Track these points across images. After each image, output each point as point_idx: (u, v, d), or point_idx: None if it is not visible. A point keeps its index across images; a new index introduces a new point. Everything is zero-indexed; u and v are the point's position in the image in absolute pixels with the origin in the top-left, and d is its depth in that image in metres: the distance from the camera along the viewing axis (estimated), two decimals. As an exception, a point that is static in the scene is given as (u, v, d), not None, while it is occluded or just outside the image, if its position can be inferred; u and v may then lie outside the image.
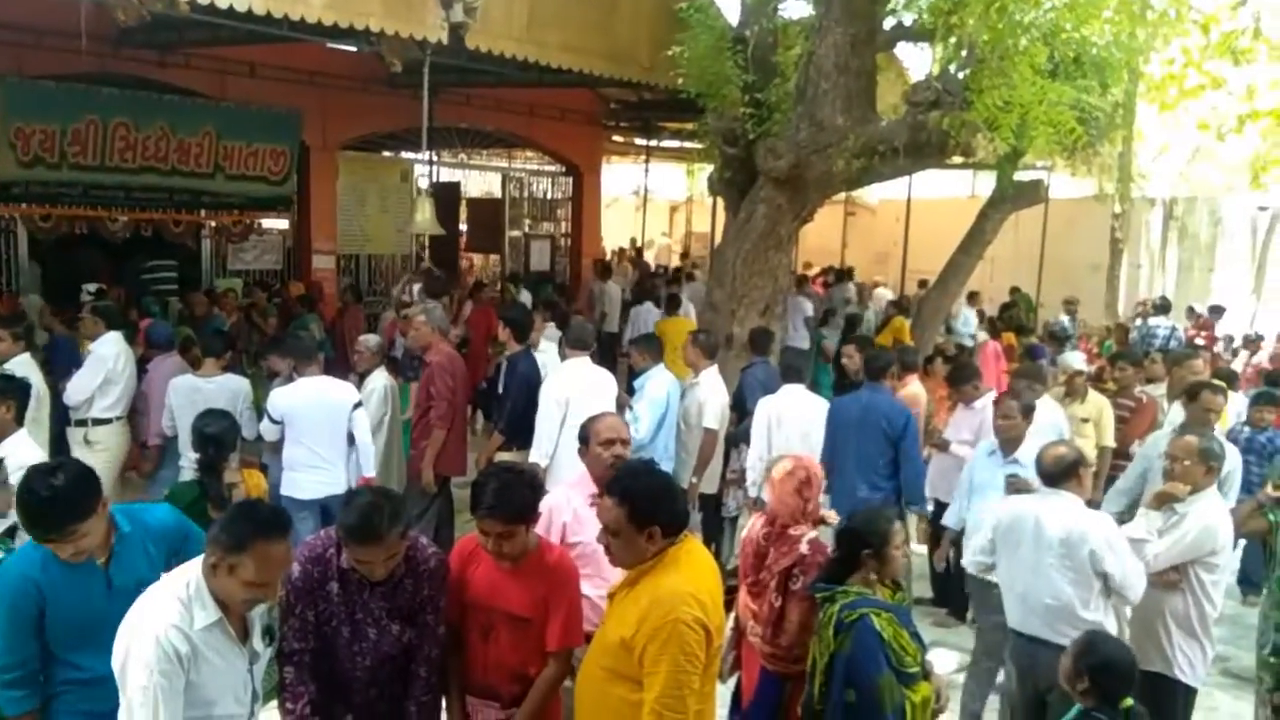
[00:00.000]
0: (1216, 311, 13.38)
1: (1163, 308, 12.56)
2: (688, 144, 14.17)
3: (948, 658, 5.84)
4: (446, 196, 14.20)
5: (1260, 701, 4.46)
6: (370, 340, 6.45)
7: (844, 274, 15.13)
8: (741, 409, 6.60)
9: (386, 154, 13.75)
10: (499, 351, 6.82)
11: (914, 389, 6.96)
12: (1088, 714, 3.17)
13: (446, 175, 15.45)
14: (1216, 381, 5.87)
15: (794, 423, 6.09)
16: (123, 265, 10.46)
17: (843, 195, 18.30)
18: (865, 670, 3.25)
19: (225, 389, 5.78)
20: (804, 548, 3.67)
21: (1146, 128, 19.03)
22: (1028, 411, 5.15)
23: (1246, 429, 6.76)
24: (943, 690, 3.54)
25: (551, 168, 15.32)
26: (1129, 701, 3.14)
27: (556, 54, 7.89)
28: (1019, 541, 4.08)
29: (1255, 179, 17.43)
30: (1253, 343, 12.81)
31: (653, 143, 15.83)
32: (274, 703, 3.03)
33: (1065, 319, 12.97)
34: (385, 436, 6.02)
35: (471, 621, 3.10)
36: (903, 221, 14.76)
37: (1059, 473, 4.04)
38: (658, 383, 6.24)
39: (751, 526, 3.94)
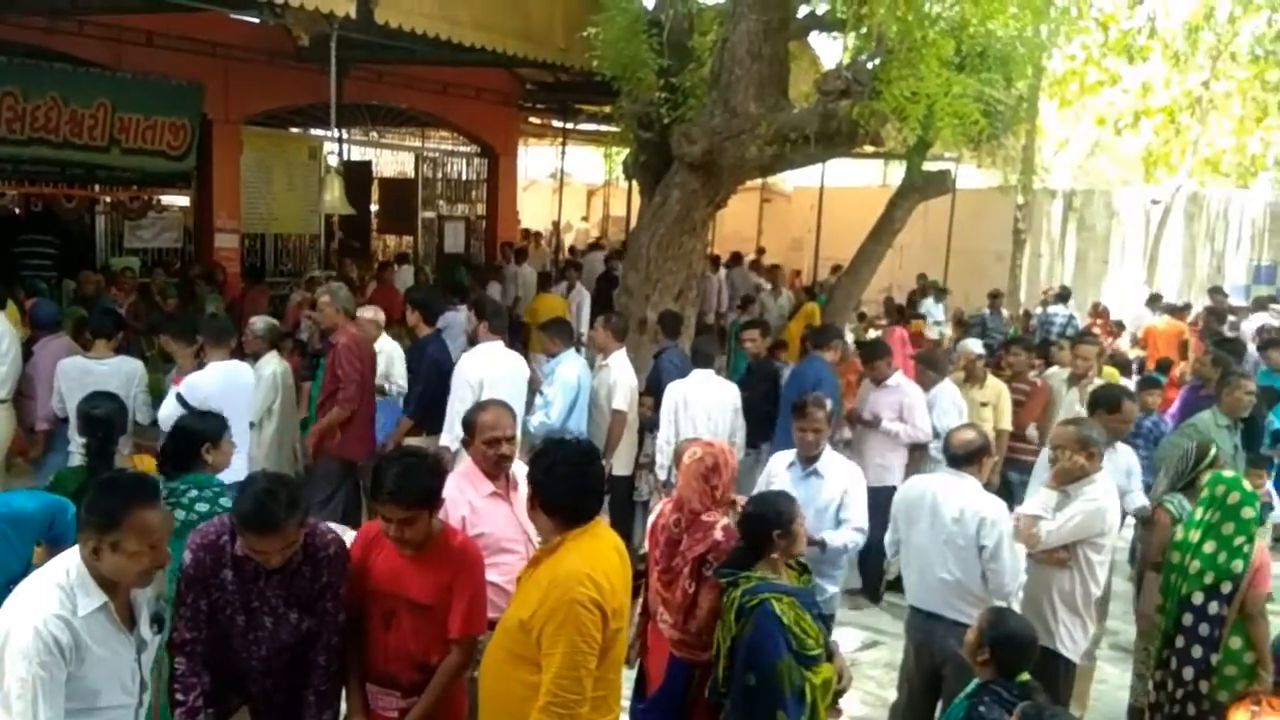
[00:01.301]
0: (1155, 301, 13.87)
1: (1062, 296, 13.01)
2: (605, 127, 14.11)
3: (853, 637, 5.99)
4: (358, 176, 13.90)
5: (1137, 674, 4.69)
6: (258, 323, 6.17)
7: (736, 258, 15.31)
8: (657, 393, 6.62)
9: (295, 130, 13.38)
10: (405, 335, 6.72)
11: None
12: (986, 686, 3.27)
13: (358, 154, 15.13)
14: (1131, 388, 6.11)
15: (700, 406, 6.15)
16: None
17: (759, 182, 18.53)
18: (764, 654, 3.30)
19: (119, 371, 5.56)
20: (718, 534, 3.67)
21: (1049, 122, 19.73)
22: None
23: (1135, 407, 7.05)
24: (844, 670, 3.62)
25: (466, 148, 15.10)
26: (1025, 675, 3.27)
27: (469, 32, 7.76)
28: (918, 519, 4.21)
29: (1148, 173, 18.22)
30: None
31: (570, 125, 15.71)
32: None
33: (987, 311, 13.38)
34: (277, 423, 5.83)
35: (373, 609, 3.05)
36: (817, 209, 14.98)
37: (964, 456, 4.18)
38: (569, 366, 6.23)
39: (660, 512, 3.92)
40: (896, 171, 13.59)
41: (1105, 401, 5.23)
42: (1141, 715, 4.73)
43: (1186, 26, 15.48)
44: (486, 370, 5.60)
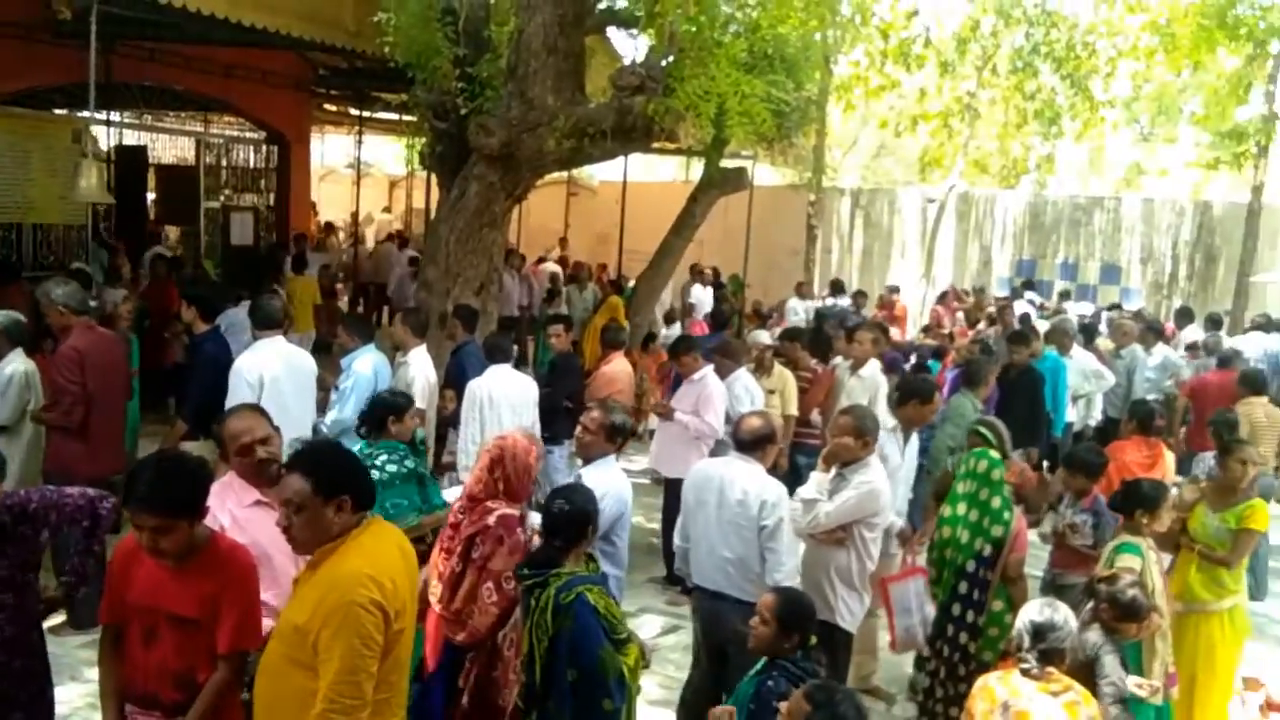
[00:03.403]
0: (979, 292, 14.84)
1: (838, 288, 13.75)
2: (403, 116, 13.73)
3: (653, 623, 6.12)
4: (130, 162, 12.87)
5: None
6: None
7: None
8: (459, 388, 6.50)
9: (58, 111, 12.23)
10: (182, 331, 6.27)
11: (616, 367, 7.17)
12: (774, 662, 3.40)
13: (132, 138, 14.00)
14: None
15: (504, 401, 6.09)
16: None
17: (564, 175, 18.56)
18: (587, 647, 3.32)
19: None
20: (491, 519, 3.72)
21: (838, 124, 20.85)
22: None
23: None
24: (645, 650, 3.70)
25: (254, 135, 14.29)
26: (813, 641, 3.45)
27: (249, 11, 7.32)
28: (705, 501, 4.35)
29: (924, 173, 19.58)
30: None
31: (367, 113, 15.18)
32: None
33: (795, 300, 13.99)
34: (33, 427, 5.31)
35: (133, 625, 2.84)
36: (622, 203, 15.17)
37: (750, 441, 4.34)
38: (365, 361, 6.03)
39: (459, 497, 3.98)
40: (698, 167, 13.97)
41: (920, 393, 5.54)
42: (920, 684, 5.06)
43: (956, 38, 16.71)
44: (266, 368, 5.31)
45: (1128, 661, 4.06)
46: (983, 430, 5.12)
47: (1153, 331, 10.10)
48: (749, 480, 4.24)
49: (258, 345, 5.58)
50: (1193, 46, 14.16)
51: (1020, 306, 13.22)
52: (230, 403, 5.24)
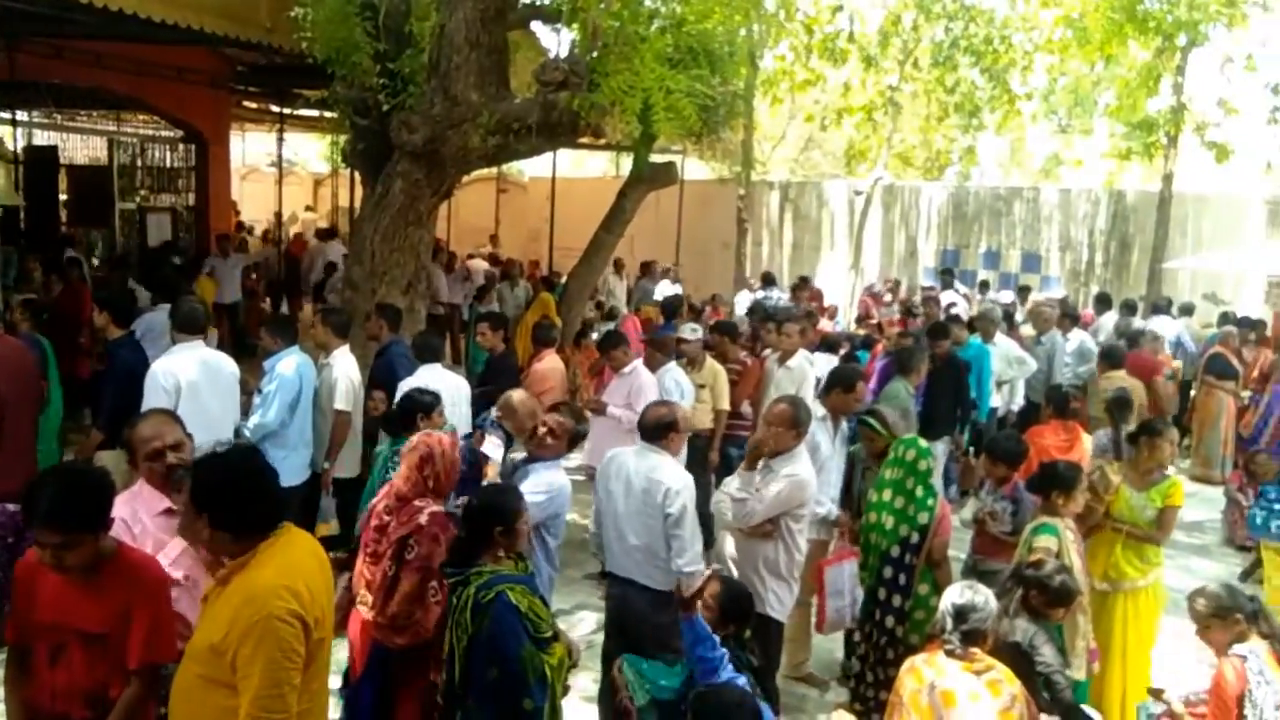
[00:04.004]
0: (948, 277, 15.08)
1: (769, 281, 13.90)
2: (326, 113, 13.46)
3: (589, 620, 6.11)
4: (40, 162, 12.43)
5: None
6: None
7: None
8: (389, 389, 6.40)
9: (-38, 111, 11.73)
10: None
11: (548, 364, 7.14)
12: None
13: (42, 138, 13.52)
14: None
15: (444, 400, 6.02)
16: None
17: (493, 171, 18.43)
18: (507, 647, 3.31)
19: None
20: (423, 519, 3.68)
21: (765, 118, 21.03)
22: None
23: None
24: (573, 647, 3.69)
25: (170, 133, 13.89)
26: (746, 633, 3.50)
27: (159, 6, 7.10)
28: (615, 490, 4.39)
29: (850, 166, 19.85)
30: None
31: (288, 110, 14.85)
32: None
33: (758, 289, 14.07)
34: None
35: (39, 643, 2.74)
36: (551, 199, 15.12)
37: (655, 430, 4.38)
38: (288, 364, 5.91)
39: (376, 500, 3.88)
40: (628, 162, 14.00)
41: (842, 381, 5.62)
42: (851, 669, 5.14)
43: (879, 32, 16.96)
44: (185, 372, 5.17)
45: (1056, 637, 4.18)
46: (870, 421, 5.26)
47: (1070, 318, 10.40)
48: (653, 469, 4.28)
49: (175, 349, 5.43)
50: (1104, 40, 14.55)
51: (947, 296, 13.55)
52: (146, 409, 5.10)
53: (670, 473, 4.27)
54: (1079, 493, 4.84)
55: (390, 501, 3.76)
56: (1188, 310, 12.08)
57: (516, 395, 4.75)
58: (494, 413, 4.78)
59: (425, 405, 4.92)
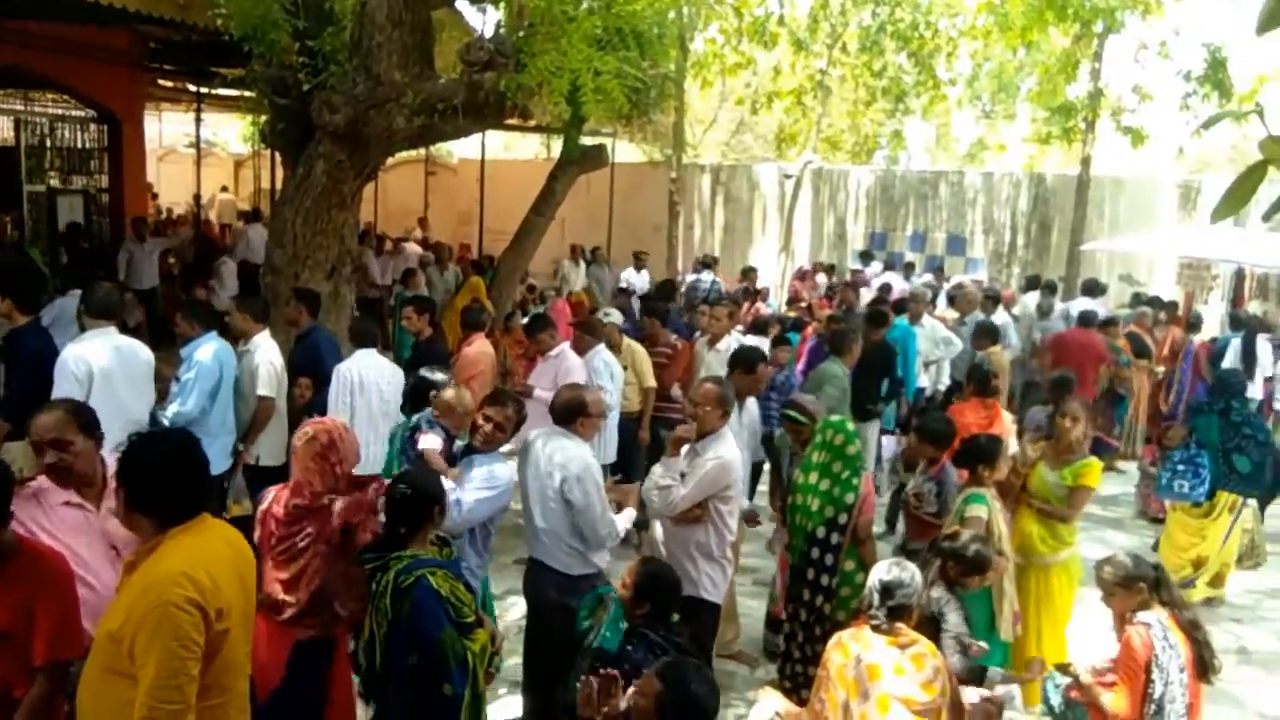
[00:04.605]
0: (866, 257, 15.23)
1: (705, 264, 13.96)
2: (245, 93, 13.08)
3: (520, 607, 6.07)
4: (-61, 142, 11.86)
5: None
6: None
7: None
8: (315, 375, 6.27)
9: None
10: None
11: (478, 349, 7.08)
12: (635, 630, 3.44)
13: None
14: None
15: (374, 387, 5.95)
16: None
17: (421, 153, 18.14)
18: (426, 631, 3.28)
19: None
20: (338, 507, 3.60)
21: (696, 101, 21.05)
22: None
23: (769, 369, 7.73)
24: (496, 633, 3.67)
25: (81, 113, 13.35)
26: (675, 617, 3.50)
27: (61, -20, 6.81)
28: (527, 474, 4.38)
29: (780, 149, 20.00)
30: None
31: (205, 90, 14.39)
32: None
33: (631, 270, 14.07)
34: None
35: (-62, 645, 2.61)
36: (481, 181, 14.94)
37: (564, 414, 4.38)
38: (207, 350, 5.76)
39: (274, 499, 3.71)
40: (559, 145, 13.89)
41: (743, 362, 5.67)
42: (779, 647, 5.21)
43: (809, 16, 17.07)
44: (96, 359, 4.99)
45: (969, 609, 4.27)
46: (792, 414, 5.35)
47: (992, 300, 10.65)
48: (557, 452, 4.28)
49: (86, 336, 5.25)
50: (1025, 26, 14.87)
51: (885, 277, 13.79)
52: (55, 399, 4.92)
53: (572, 457, 4.25)
54: (1001, 462, 5.00)
55: (300, 500, 3.60)
56: (1102, 291, 12.45)
57: (449, 393, 4.67)
58: (430, 412, 4.70)
59: (436, 384, 5.00)
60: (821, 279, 14.91)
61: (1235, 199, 1.60)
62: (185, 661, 2.41)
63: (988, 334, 8.83)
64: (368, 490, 3.65)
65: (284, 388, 6.08)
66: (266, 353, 5.93)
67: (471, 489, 4.17)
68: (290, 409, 6.15)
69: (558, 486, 4.19)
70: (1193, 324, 10.93)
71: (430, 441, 4.42)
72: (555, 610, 4.04)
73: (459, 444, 4.53)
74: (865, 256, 15.87)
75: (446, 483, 4.07)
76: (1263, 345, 9.90)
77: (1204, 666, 3.83)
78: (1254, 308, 13.46)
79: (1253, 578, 7.32)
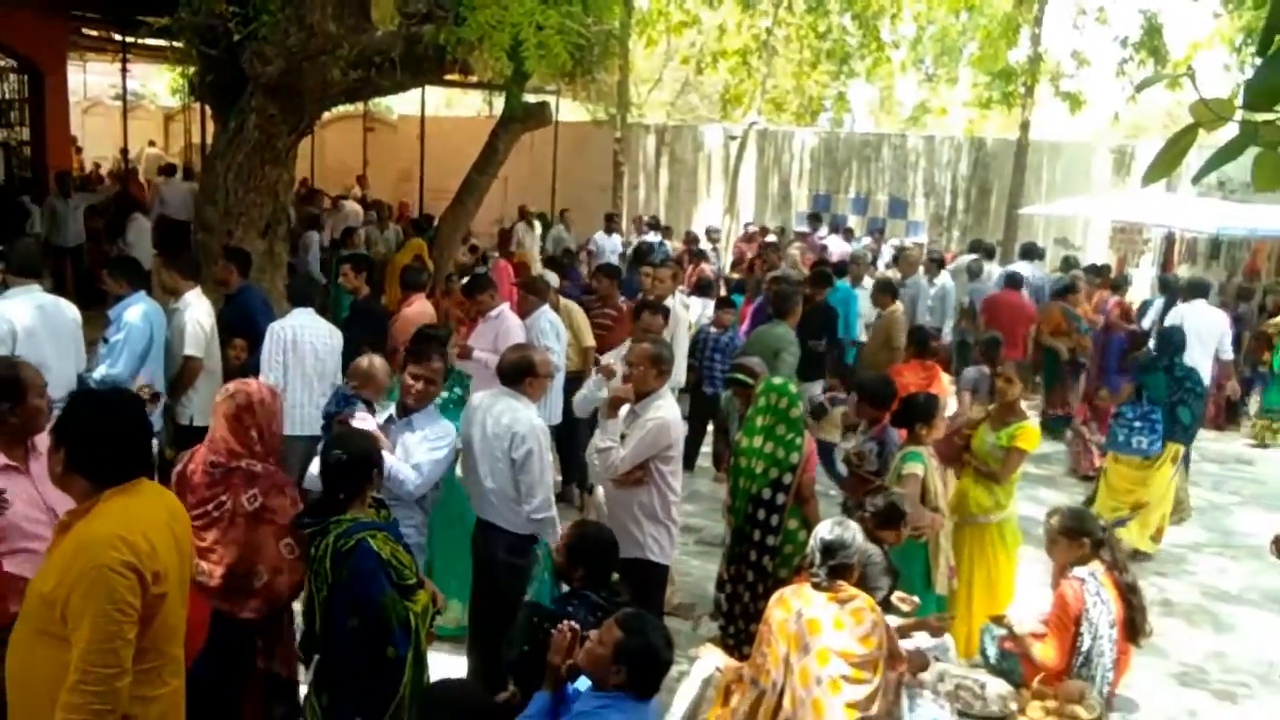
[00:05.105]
0: (815, 221, 15.23)
1: (653, 225, 13.92)
2: (175, 43, 12.60)
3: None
4: None
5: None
6: None
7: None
8: (249, 335, 6.12)
9: None
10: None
11: (417, 309, 6.98)
12: (575, 591, 3.45)
13: None
14: (655, 302, 6.68)
15: (308, 347, 5.81)
16: None
17: (359, 108, 17.71)
18: (368, 594, 3.25)
19: None
20: (258, 470, 3.53)
21: (641, 60, 20.85)
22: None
23: (712, 330, 7.76)
24: (437, 594, 3.66)
25: (0, 63, 12.77)
26: (615, 576, 3.50)
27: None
28: (473, 434, 4.34)
29: (726, 110, 19.94)
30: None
31: (132, 39, 13.82)
32: None
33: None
34: None
35: None
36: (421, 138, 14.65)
37: (511, 374, 4.35)
38: (136, 311, 5.58)
39: (191, 458, 3.62)
40: (501, 102, 13.65)
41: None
42: (722, 605, 5.25)
43: (754, -27, 16.97)
44: (19, 318, 4.81)
45: (892, 562, 4.35)
46: (739, 377, 5.43)
47: (934, 262, 10.79)
48: (505, 413, 4.26)
49: (9, 294, 5.05)
50: (968, -11, 15.01)
51: (832, 242, 13.87)
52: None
53: (519, 417, 4.23)
54: (939, 421, 5.08)
55: (217, 457, 3.51)
56: (1039, 255, 12.67)
57: (365, 361, 4.54)
58: (347, 388, 4.55)
59: (440, 339, 5.27)
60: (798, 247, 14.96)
61: (1166, 162, 1.62)
62: (121, 625, 2.36)
63: (887, 290, 8.83)
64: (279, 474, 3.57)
65: (214, 347, 5.92)
66: (195, 311, 5.77)
67: (425, 451, 4.14)
68: (225, 370, 6.00)
69: (507, 448, 4.17)
70: (1116, 285, 11.17)
71: (367, 424, 4.30)
72: (504, 569, 4.03)
73: (382, 417, 4.39)
74: (814, 219, 15.91)
75: (392, 458, 4.03)
76: (1210, 314, 9.28)
77: (1134, 630, 3.95)
78: (1183, 271, 13.83)
79: (1177, 532, 7.58)
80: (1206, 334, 8.84)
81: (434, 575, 4.42)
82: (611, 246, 13.37)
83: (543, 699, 2.93)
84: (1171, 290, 10.54)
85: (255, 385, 3.70)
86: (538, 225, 14.52)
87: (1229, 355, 9.45)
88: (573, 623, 3.04)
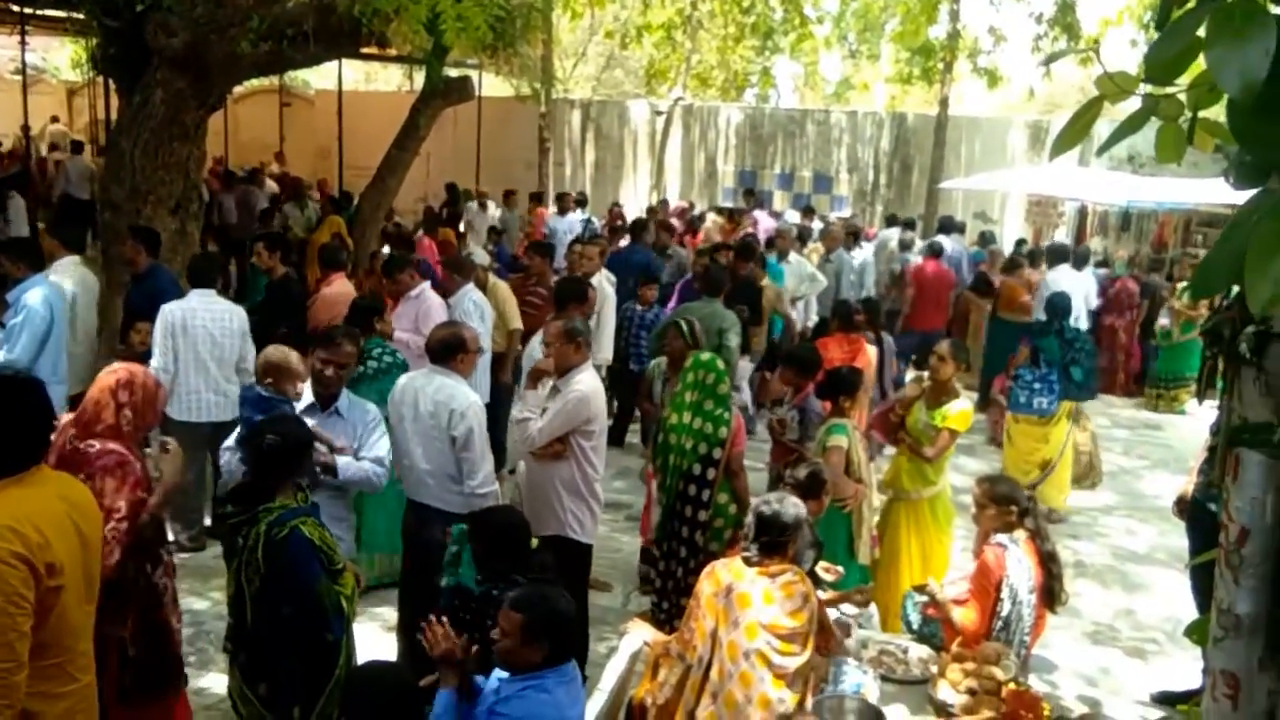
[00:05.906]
0: (750, 198, 15.25)
1: (580, 202, 13.81)
2: (76, 14, 12.02)
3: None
4: None
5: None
6: None
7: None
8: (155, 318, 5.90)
9: None
10: None
11: (338, 289, 6.83)
12: (500, 575, 3.41)
13: None
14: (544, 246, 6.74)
15: (201, 330, 5.63)
16: None
17: (275, 82, 17.19)
18: (303, 581, 3.23)
19: None
20: (94, 449, 3.36)
21: (565, 34, 20.60)
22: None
23: (637, 307, 7.74)
24: (358, 573, 3.63)
25: (-117, 32, 12.07)
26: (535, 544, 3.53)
27: None
28: (404, 415, 4.28)
29: (650, 85, 19.85)
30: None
31: (30, 10, 13.15)
32: None
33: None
34: None
35: None
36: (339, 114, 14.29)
37: (440, 352, 4.29)
38: (35, 294, 5.38)
39: (60, 431, 3.44)
40: (422, 76, 13.36)
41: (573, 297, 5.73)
42: (653, 580, 5.26)
43: (677, -52, 16.85)
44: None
45: (817, 534, 4.39)
46: (680, 323, 5.58)
47: (853, 235, 10.93)
48: (439, 391, 4.21)
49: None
50: (889, -35, 15.15)
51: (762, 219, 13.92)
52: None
53: (454, 394, 4.18)
54: (862, 394, 5.16)
55: (76, 430, 3.39)
56: (959, 229, 12.92)
57: (275, 352, 4.38)
58: (262, 386, 4.35)
59: (377, 310, 5.50)
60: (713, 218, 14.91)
61: (1072, 135, 1.65)
62: (14, 618, 2.28)
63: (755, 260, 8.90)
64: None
65: (88, 319, 5.78)
66: (61, 279, 5.66)
67: (375, 439, 4.11)
68: (131, 355, 5.78)
69: (445, 425, 4.11)
70: (1034, 257, 11.47)
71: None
72: (440, 550, 3.96)
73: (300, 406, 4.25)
74: (749, 195, 15.87)
75: (355, 461, 4.00)
76: (1070, 277, 9.79)
77: (1052, 597, 4.07)
78: (1095, 243, 14.26)
79: (1089, 496, 7.85)
80: (1073, 295, 9.20)
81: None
82: (566, 227, 13.07)
83: (445, 697, 2.88)
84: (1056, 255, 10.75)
85: (143, 370, 3.63)
86: (491, 206, 14.26)
87: (1094, 306, 10.40)
88: (437, 616, 2.99)
